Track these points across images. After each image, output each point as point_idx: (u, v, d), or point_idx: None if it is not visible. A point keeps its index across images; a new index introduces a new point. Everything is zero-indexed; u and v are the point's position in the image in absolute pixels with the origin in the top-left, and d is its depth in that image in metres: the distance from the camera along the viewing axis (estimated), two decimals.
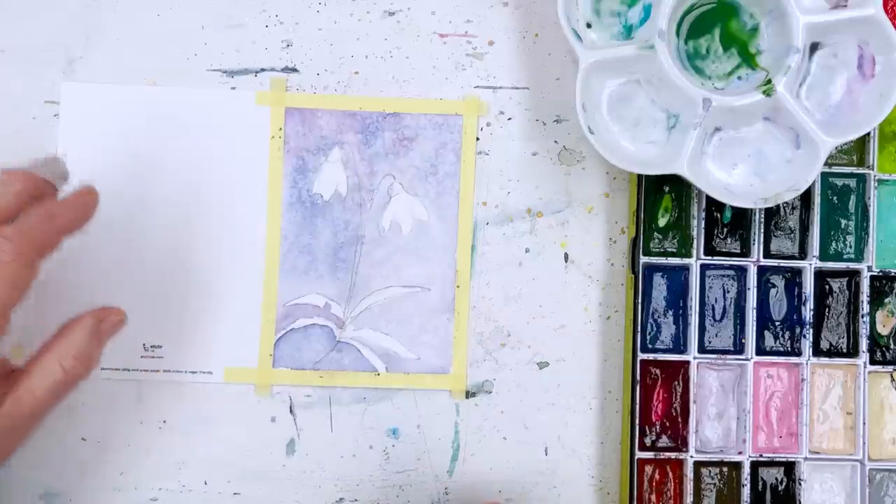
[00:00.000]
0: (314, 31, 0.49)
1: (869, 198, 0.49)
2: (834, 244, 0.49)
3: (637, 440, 0.47)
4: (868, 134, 0.48)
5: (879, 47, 0.46)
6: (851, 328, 0.49)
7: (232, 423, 0.48)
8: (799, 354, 0.49)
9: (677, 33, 0.47)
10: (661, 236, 0.49)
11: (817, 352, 0.49)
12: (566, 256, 0.49)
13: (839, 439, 0.49)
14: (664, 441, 0.48)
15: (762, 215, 0.48)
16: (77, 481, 0.48)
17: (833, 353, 0.49)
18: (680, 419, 0.48)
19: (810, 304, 0.49)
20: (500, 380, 0.49)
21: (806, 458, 0.48)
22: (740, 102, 0.45)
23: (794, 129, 0.46)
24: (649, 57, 0.45)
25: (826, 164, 0.47)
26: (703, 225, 0.48)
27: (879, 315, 0.49)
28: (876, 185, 0.49)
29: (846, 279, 0.49)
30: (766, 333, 0.49)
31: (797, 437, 0.48)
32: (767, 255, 0.49)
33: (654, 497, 0.48)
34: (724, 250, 0.49)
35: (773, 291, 0.49)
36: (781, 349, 0.49)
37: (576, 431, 0.49)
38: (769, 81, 0.45)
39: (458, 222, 0.49)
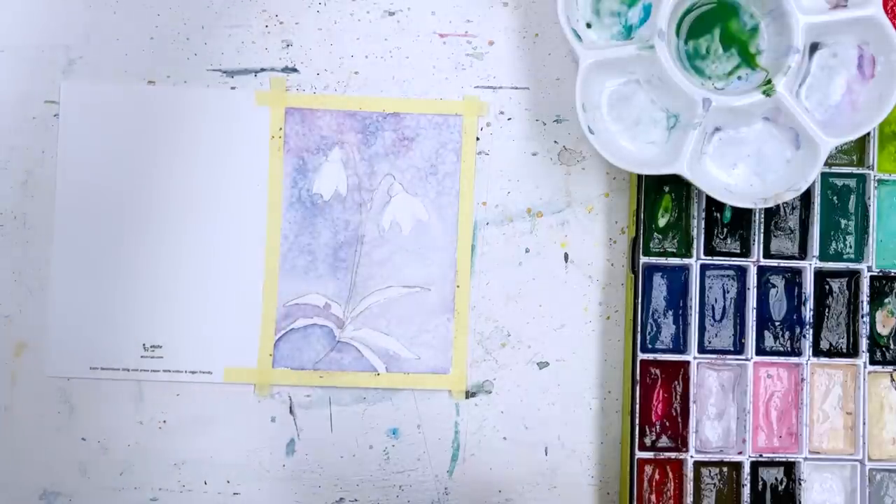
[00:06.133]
0: (314, 31, 0.49)
1: (869, 198, 0.49)
2: (834, 244, 0.49)
3: (637, 440, 0.47)
4: (868, 134, 0.48)
5: (879, 47, 0.46)
6: (851, 328, 0.49)
7: (232, 423, 0.48)
8: (799, 354, 0.48)
9: (677, 33, 0.47)
10: (661, 236, 0.48)
11: (817, 352, 0.49)
12: (566, 256, 0.49)
13: (839, 439, 0.49)
14: (664, 441, 0.48)
15: (762, 215, 0.48)
16: (77, 481, 0.48)
17: (833, 353, 0.49)
18: (680, 419, 0.48)
19: (810, 304, 0.49)
20: (500, 380, 0.49)
21: (806, 458, 0.48)
22: (740, 102, 0.45)
23: (794, 129, 0.46)
24: (649, 57, 0.45)
25: (826, 164, 0.47)
26: (703, 225, 0.48)
27: (879, 315, 0.49)
28: (876, 185, 0.49)
29: (846, 279, 0.49)
30: (766, 333, 0.49)
31: (797, 437, 0.48)
32: (767, 255, 0.49)
33: (654, 497, 0.48)
34: (724, 250, 0.49)
35: (772, 291, 0.49)
36: (781, 349, 0.49)
37: (576, 431, 0.49)
38: (769, 81, 0.45)
39: (458, 222, 0.49)
